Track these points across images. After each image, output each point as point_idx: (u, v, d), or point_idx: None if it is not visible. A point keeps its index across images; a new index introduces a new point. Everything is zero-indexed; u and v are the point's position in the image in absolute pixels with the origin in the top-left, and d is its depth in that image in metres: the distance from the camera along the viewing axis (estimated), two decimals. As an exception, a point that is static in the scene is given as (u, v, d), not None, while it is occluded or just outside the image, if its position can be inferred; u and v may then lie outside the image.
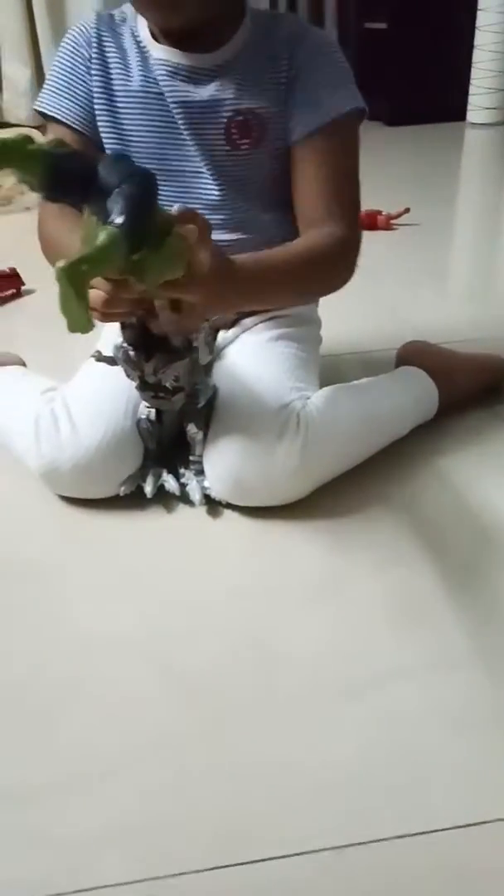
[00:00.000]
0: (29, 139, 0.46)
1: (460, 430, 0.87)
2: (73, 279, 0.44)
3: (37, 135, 2.08)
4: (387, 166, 2.18)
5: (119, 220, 0.46)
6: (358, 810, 0.47)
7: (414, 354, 0.90)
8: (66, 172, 0.47)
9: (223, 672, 0.58)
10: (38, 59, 2.83)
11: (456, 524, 0.73)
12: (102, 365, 0.70)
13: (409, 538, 0.71)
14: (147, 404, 0.72)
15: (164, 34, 0.71)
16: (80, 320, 0.45)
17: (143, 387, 0.67)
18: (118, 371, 0.67)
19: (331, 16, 2.99)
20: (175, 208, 0.53)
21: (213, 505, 0.75)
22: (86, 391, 0.76)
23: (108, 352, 0.68)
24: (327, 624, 0.62)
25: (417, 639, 0.60)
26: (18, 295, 1.35)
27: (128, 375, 0.67)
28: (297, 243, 0.72)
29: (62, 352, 0.99)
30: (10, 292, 1.34)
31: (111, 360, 0.67)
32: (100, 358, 0.68)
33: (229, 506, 0.75)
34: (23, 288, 1.35)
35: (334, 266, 0.73)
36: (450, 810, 0.47)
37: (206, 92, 0.71)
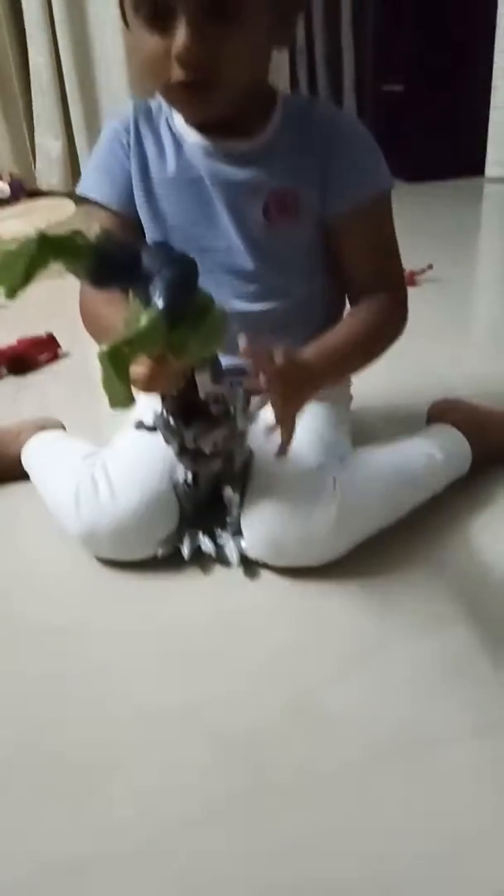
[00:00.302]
0: (78, 234, 0.49)
1: (494, 485, 0.87)
2: (115, 361, 0.47)
3: (68, 204, 2.17)
4: (409, 223, 2.21)
5: (159, 303, 0.49)
6: (405, 878, 0.47)
7: (445, 412, 0.91)
8: (113, 264, 0.51)
9: (267, 738, 0.58)
10: (69, 131, 2.97)
11: (493, 581, 0.73)
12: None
13: (446, 596, 0.71)
14: (185, 468, 0.74)
15: (197, 126, 0.75)
16: (121, 398, 0.48)
17: (183, 452, 0.69)
18: (157, 436, 0.69)
19: (349, 80, 3.10)
20: (241, 343, 0.60)
21: (250, 565, 0.76)
22: (124, 455, 0.78)
23: (145, 418, 0.70)
24: (368, 686, 0.62)
25: (461, 700, 0.60)
26: (55, 358, 1.39)
27: (167, 442, 0.69)
28: (355, 319, 0.79)
29: (99, 414, 1.02)
30: (47, 356, 1.38)
31: (151, 428, 0.69)
32: (140, 426, 0.70)
33: (266, 566, 0.75)
34: (59, 352, 1.40)
35: (392, 328, 0.80)
36: (499, 880, 0.46)
37: (245, 173, 0.75)
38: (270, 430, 0.65)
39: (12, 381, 1.32)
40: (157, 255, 0.52)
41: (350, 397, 0.91)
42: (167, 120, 0.77)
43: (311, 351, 0.72)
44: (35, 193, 2.99)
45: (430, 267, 1.66)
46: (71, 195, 2.78)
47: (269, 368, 0.62)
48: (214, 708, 0.61)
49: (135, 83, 2.64)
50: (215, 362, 0.65)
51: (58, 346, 1.39)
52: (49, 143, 2.97)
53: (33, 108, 2.95)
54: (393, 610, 0.70)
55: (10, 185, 2.88)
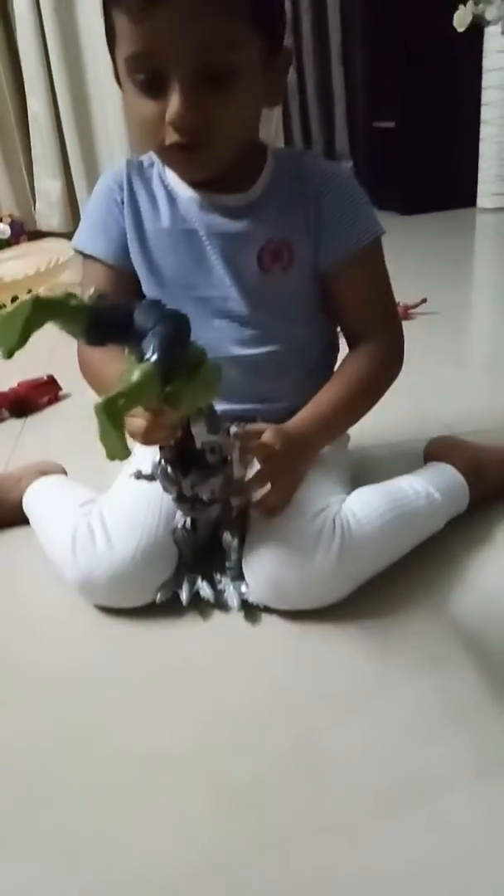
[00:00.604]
0: (72, 295, 0.51)
1: (492, 524, 0.87)
2: (111, 413, 0.48)
3: (67, 246, 2.19)
4: (402, 255, 2.26)
5: (152, 357, 0.51)
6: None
7: (442, 451, 0.91)
8: (106, 323, 0.53)
9: (268, 785, 0.57)
10: (67, 173, 3.04)
11: (492, 620, 0.73)
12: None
13: (446, 637, 0.71)
14: (183, 514, 0.75)
15: (189, 183, 0.77)
16: (117, 449, 0.49)
17: (181, 499, 0.70)
18: (155, 485, 0.70)
19: (341, 118, 3.17)
20: (232, 433, 0.67)
21: (251, 610, 0.76)
22: (121, 503, 0.79)
23: (143, 467, 0.71)
24: (371, 731, 0.62)
25: (463, 743, 0.59)
26: (56, 400, 1.41)
27: (165, 490, 0.70)
28: (351, 371, 0.81)
29: (98, 455, 1.02)
30: (48, 398, 1.40)
31: (150, 477, 0.70)
32: (139, 476, 0.71)
33: (266, 609, 0.76)
34: (60, 393, 1.41)
35: (389, 373, 0.83)
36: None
37: (239, 225, 0.77)
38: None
39: (14, 424, 1.34)
40: (149, 312, 0.54)
41: (347, 437, 0.91)
42: (160, 175, 0.79)
43: (305, 416, 0.75)
44: (35, 234, 3.04)
45: (425, 300, 1.68)
46: (70, 235, 2.84)
47: (261, 454, 0.68)
48: (215, 754, 0.61)
49: (132, 135, 2.71)
50: (211, 412, 0.66)
51: (58, 387, 1.41)
52: (48, 186, 3.04)
53: (32, 152, 3.02)
54: (393, 651, 0.70)
55: (11, 226, 2.94)
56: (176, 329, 0.53)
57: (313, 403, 0.78)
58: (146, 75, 0.65)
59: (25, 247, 2.57)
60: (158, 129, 0.67)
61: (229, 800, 0.56)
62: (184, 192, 0.78)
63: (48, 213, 3.07)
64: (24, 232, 2.97)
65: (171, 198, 0.78)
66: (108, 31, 0.68)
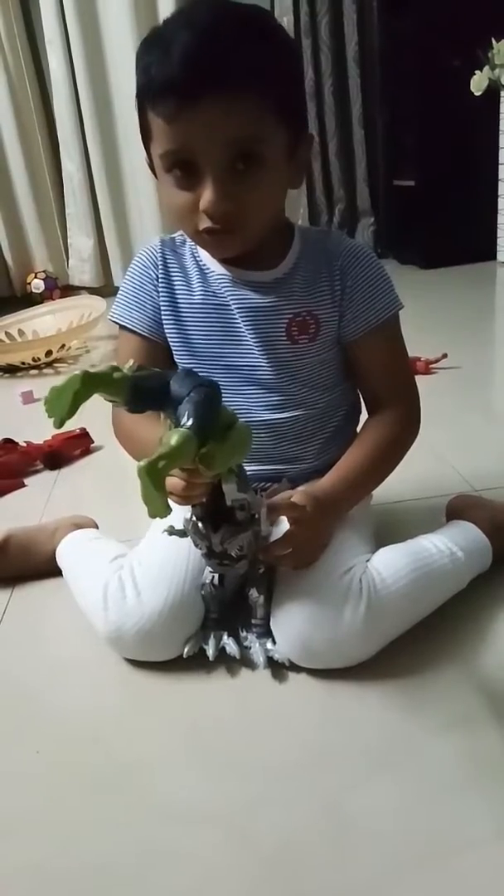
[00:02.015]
0: (115, 368, 0.56)
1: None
2: (153, 475, 0.52)
3: (98, 302, 2.27)
4: (423, 309, 2.31)
5: (188, 423, 0.55)
6: None
7: (465, 508, 0.93)
8: (145, 392, 0.58)
9: (295, 844, 0.58)
10: (99, 230, 3.16)
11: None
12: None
13: (473, 695, 0.72)
14: (211, 570, 0.77)
15: (220, 260, 0.82)
16: (159, 508, 0.53)
17: (210, 555, 0.73)
18: (184, 540, 0.73)
19: (362, 177, 3.26)
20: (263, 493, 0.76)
21: (277, 668, 0.77)
22: (150, 558, 0.82)
23: (175, 523, 0.74)
24: (399, 790, 0.62)
25: (493, 803, 0.60)
26: (88, 453, 1.46)
27: (196, 545, 0.73)
28: (371, 437, 0.85)
29: (129, 507, 1.06)
30: (80, 451, 1.44)
31: (182, 533, 0.73)
32: (172, 532, 0.74)
33: (292, 667, 0.77)
34: (92, 446, 1.46)
35: (407, 439, 0.87)
36: None
37: (268, 300, 0.81)
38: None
39: (48, 475, 1.38)
40: (184, 381, 0.59)
41: (370, 495, 0.94)
42: (192, 252, 0.84)
43: (332, 479, 0.80)
44: (67, 289, 3.15)
45: (445, 356, 1.70)
46: (101, 290, 2.94)
47: (291, 515, 0.73)
48: (241, 812, 0.62)
49: (162, 204, 2.84)
50: (240, 472, 0.69)
51: (90, 440, 1.46)
52: (81, 243, 3.16)
53: (66, 210, 3.15)
54: (419, 710, 0.71)
55: (45, 281, 3.05)
56: (208, 396, 0.58)
57: (339, 468, 0.82)
58: (181, 168, 0.71)
59: (59, 302, 2.67)
60: (193, 216, 0.72)
61: (255, 858, 0.57)
62: (216, 268, 0.82)
63: (80, 268, 3.18)
64: (58, 287, 3.09)
65: (203, 274, 0.83)
66: (143, 128, 0.74)
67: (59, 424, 0.55)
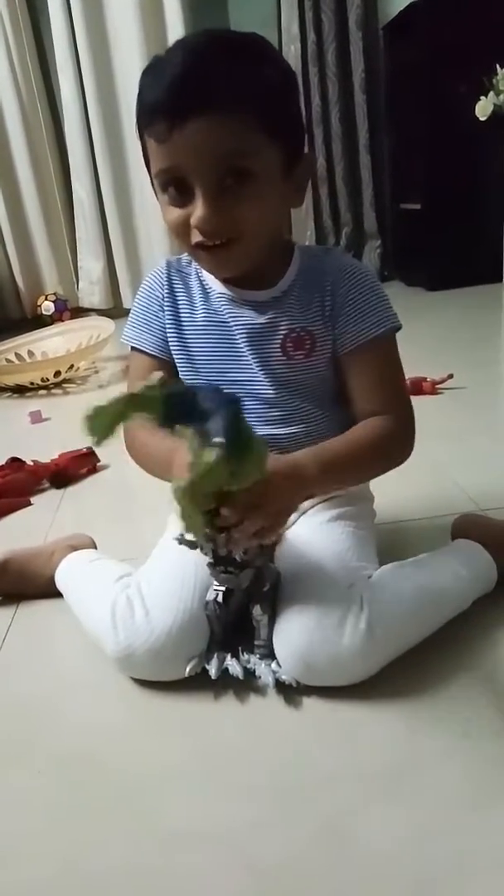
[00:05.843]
0: (150, 388, 0.57)
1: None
2: (192, 496, 0.55)
3: (107, 324, 2.30)
4: (429, 330, 2.33)
5: (221, 440, 0.57)
6: None
7: (469, 528, 0.93)
8: (178, 409, 0.59)
9: (298, 866, 0.58)
10: (109, 253, 3.21)
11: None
12: (173, 548, 0.76)
13: (477, 714, 0.71)
14: (216, 583, 0.77)
15: (221, 280, 0.84)
16: (197, 526, 0.57)
17: (216, 562, 0.74)
18: (187, 555, 0.74)
19: (368, 201, 3.30)
20: None
21: (282, 687, 0.77)
22: (157, 576, 0.82)
23: (183, 532, 0.74)
24: (405, 810, 0.62)
25: (497, 826, 0.59)
26: (94, 471, 1.46)
27: (201, 549, 0.73)
28: (360, 431, 0.82)
29: (132, 525, 1.06)
30: (86, 469, 1.45)
31: (192, 544, 0.73)
32: (182, 541, 0.74)
33: (296, 685, 0.76)
34: (98, 465, 1.47)
35: (395, 449, 0.84)
36: None
37: (265, 317, 0.83)
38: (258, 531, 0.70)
39: (54, 494, 1.39)
40: (211, 397, 0.60)
41: (374, 513, 0.94)
42: (197, 272, 0.86)
43: (308, 454, 0.77)
44: (77, 310, 3.20)
45: (451, 376, 1.71)
46: (110, 312, 2.98)
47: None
48: (245, 834, 0.61)
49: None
50: None
51: (96, 459, 1.46)
52: (91, 266, 3.21)
53: (77, 233, 3.21)
54: (425, 728, 0.71)
55: (55, 303, 3.09)
56: (235, 412, 0.59)
57: (318, 448, 0.78)
58: (174, 186, 0.73)
59: (68, 323, 2.70)
60: (187, 232, 0.75)
61: (258, 881, 0.57)
62: (218, 287, 0.85)
63: (90, 290, 3.23)
64: (67, 308, 3.13)
65: (206, 293, 0.85)
66: (144, 150, 0.77)
67: (99, 443, 0.56)
